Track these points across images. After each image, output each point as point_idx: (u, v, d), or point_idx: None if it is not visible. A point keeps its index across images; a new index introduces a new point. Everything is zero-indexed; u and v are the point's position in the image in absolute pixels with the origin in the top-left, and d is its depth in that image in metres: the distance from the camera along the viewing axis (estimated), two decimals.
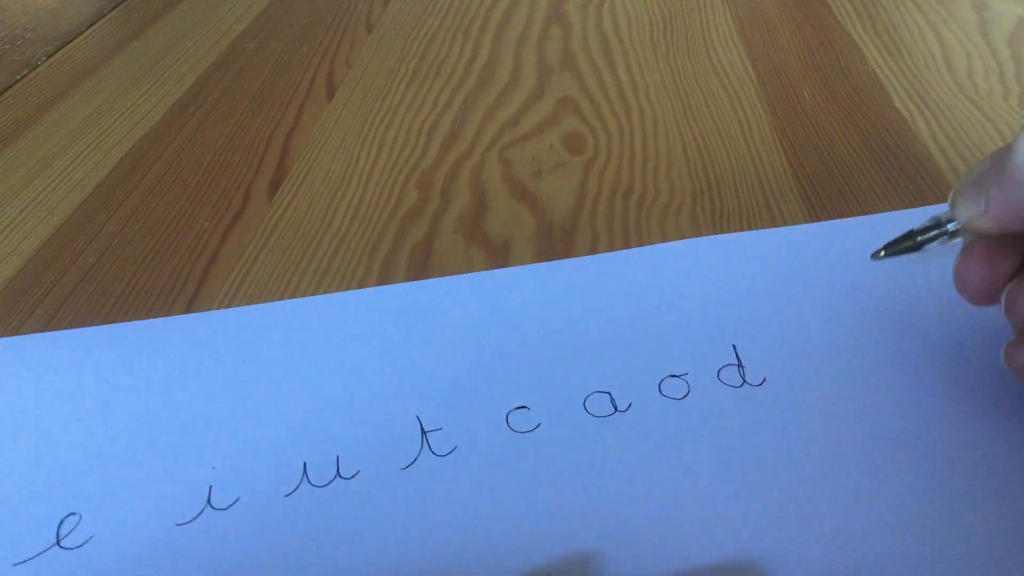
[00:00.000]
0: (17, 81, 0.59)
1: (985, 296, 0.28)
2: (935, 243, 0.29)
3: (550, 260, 0.38)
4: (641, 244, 0.39)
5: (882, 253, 0.30)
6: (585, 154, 0.47)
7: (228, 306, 0.37)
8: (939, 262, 0.33)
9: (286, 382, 0.33)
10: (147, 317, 0.37)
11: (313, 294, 0.37)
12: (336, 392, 0.32)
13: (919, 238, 0.29)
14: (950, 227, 0.28)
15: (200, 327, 0.36)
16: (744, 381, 0.31)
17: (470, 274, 0.38)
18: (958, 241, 0.28)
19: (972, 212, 0.26)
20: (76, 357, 0.34)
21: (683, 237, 0.39)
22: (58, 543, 0.27)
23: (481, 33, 0.63)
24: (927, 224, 0.29)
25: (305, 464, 0.29)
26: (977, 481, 0.27)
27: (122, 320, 0.37)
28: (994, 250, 0.27)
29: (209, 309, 0.37)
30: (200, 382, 0.33)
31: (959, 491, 0.27)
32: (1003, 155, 0.25)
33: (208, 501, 0.28)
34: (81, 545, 0.27)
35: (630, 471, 0.28)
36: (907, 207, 0.40)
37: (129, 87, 0.57)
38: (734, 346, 0.33)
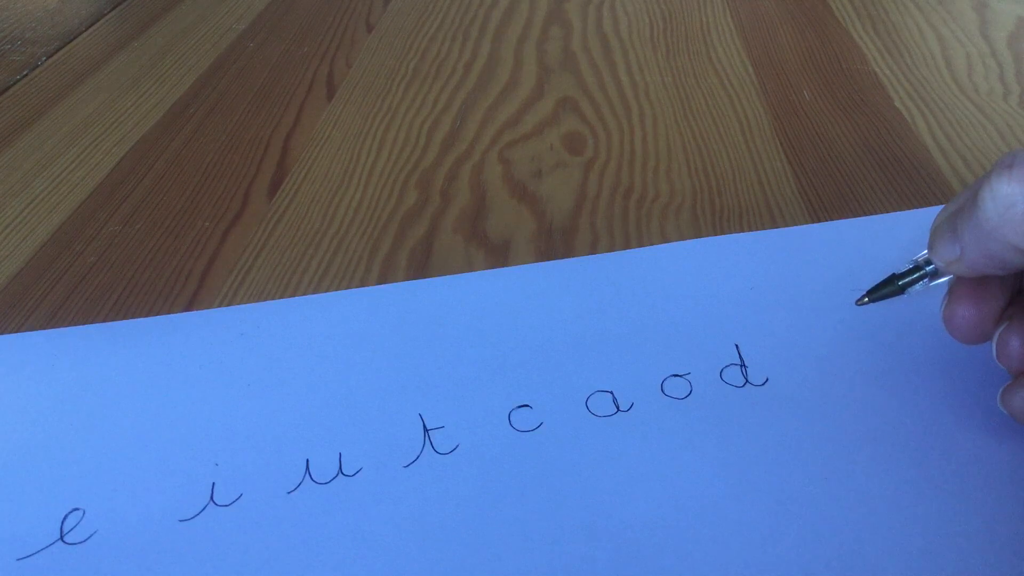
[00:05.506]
0: (17, 81, 0.59)
1: (976, 337, 0.28)
2: (918, 285, 0.29)
3: (550, 260, 0.38)
4: (641, 244, 0.39)
5: (865, 299, 0.30)
6: (585, 154, 0.47)
7: (228, 306, 0.37)
8: None
9: (289, 379, 0.33)
10: (147, 316, 0.37)
11: (313, 294, 0.37)
12: (339, 390, 0.32)
13: (900, 282, 0.29)
14: (929, 269, 0.28)
15: (204, 324, 0.36)
16: (747, 381, 0.31)
17: (473, 273, 0.38)
18: (942, 280, 0.28)
19: (948, 257, 0.27)
20: (80, 354, 0.34)
21: (683, 237, 0.39)
22: (62, 538, 0.27)
23: (481, 33, 0.63)
24: (908, 268, 0.29)
25: (308, 461, 0.29)
26: (979, 480, 0.27)
27: (123, 319, 0.37)
28: (979, 291, 0.28)
29: (209, 308, 0.37)
30: (204, 379, 0.33)
31: (962, 490, 0.27)
32: (973, 200, 0.25)
33: (211, 498, 0.28)
34: (84, 540, 0.27)
35: (632, 470, 0.28)
36: (907, 207, 0.40)
37: (129, 87, 0.57)
38: (737, 346, 0.33)
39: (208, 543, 0.27)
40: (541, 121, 0.51)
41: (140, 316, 0.37)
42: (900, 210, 0.40)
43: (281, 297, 0.37)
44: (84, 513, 0.28)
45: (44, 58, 0.62)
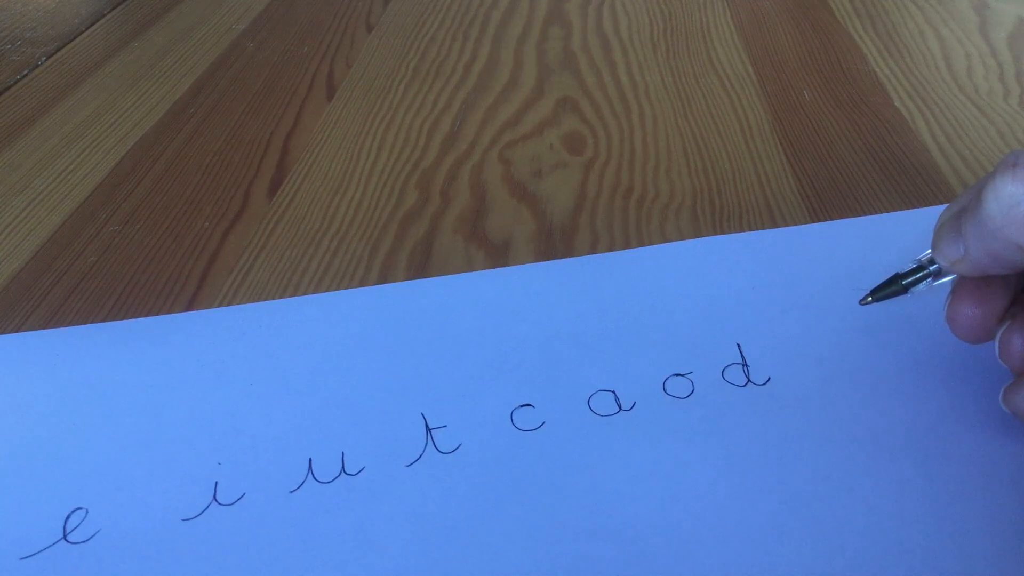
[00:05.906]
0: (17, 81, 0.59)
1: (979, 336, 0.28)
2: (921, 285, 0.29)
3: (550, 260, 0.38)
4: (641, 244, 0.39)
5: (869, 299, 0.30)
6: (585, 154, 0.47)
7: (228, 306, 0.37)
8: None
9: (292, 379, 0.33)
10: (147, 316, 0.37)
11: (313, 294, 0.37)
12: (340, 389, 0.32)
13: (904, 282, 0.29)
14: (933, 269, 0.28)
15: (204, 324, 0.36)
16: (748, 380, 0.31)
17: (473, 272, 0.38)
18: (946, 280, 0.28)
19: (952, 257, 0.27)
20: (80, 354, 0.34)
21: (683, 237, 0.39)
22: (65, 537, 0.27)
23: (481, 33, 0.63)
24: (911, 267, 0.29)
25: (310, 460, 0.29)
26: (981, 480, 0.27)
27: (123, 319, 0.37)
28: (982, 290, 0.28)
29: (209, 308, 0.37)
30: (205, 378, 0.33)
31: (964, 490, 0.27)
32: (977, 200, 0.25)
33: (214, 497, 0.28)
34: (88, 539, 0.27)
35: (634, 469, 0.28)
36: (907, 207, 0.40)
37: (129, 87, 0.57)
38: (739, 345, 0.33)
39: (211, 542, 0.27)
40: (541, 121, 0.51)
41: (140, 316, 0.37)
42: (900, 210, 0.40)
43: (281, 297, 0.37)
44: (87, 512, 0.28)
45: (44, 58, 0.62)
